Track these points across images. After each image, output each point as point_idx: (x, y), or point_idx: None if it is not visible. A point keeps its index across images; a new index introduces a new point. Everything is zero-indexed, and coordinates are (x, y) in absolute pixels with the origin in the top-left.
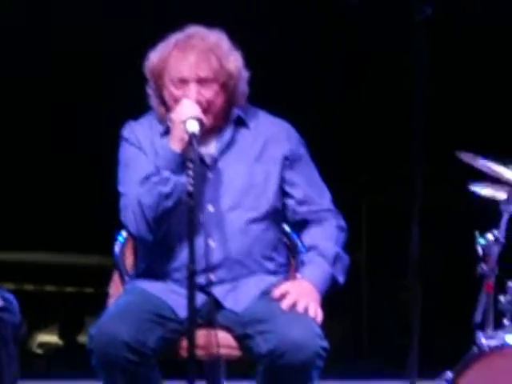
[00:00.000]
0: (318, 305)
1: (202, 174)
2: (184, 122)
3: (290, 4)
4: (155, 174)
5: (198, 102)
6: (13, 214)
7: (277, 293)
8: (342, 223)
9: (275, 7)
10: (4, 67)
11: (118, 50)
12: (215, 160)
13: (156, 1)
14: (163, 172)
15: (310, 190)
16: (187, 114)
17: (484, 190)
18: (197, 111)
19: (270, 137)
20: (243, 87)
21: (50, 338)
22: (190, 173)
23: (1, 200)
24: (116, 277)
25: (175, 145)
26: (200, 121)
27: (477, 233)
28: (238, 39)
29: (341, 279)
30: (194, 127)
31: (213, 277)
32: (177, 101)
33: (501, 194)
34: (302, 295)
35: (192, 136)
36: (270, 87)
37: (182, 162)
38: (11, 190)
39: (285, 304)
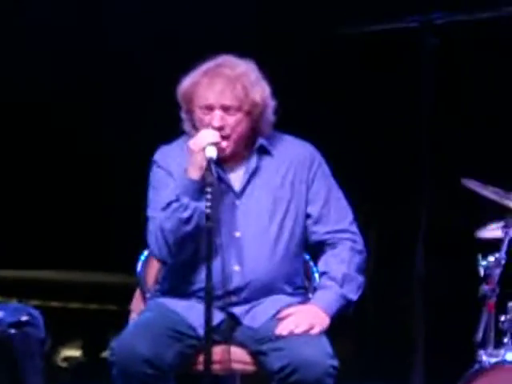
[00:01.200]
0: (325, 324)
1: (230, 202)
2: (203, 149)
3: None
4: (176, 200)
5: (222, 128)
6: (40, 232)
7: (284, 314)
8: (359, 246)
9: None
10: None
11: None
12: (244, 188)
13: (196, 31)
14: (183, 198)
15: (327, 209)
16: (205, 141)
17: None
18: (214, 137)
19: (293, 161)
20: (268, 116)
21: (74, 352)
22: (209, 196)
23: (27, 218)
24: (138, 294)
25: (193, 173)
26: (217, 145)
27: (479, 255)
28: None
29: (353, 297)
30: (211, 152)
31: (235, 298)
32: (204, 126)
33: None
34: (307, 318)
35: (210, 161)
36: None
37: (200, 189)
38: (36, 208)
39: (289, 327)
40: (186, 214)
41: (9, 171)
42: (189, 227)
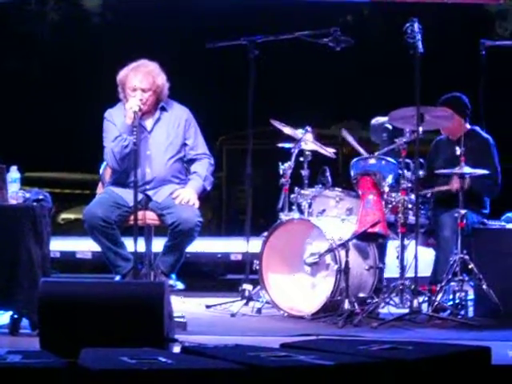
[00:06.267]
0: (195, 198)
1: (145, 136)
2: (131, 108)
3: None
4: (119, 135)
5: (141, 100)
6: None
7: (174, 194)
8: (211, 161)
9: None
10: None
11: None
12: (152, 129)
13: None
14: (123, 134)
15: (196, 142)
16: (133, 104)
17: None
18: (137, 102)
19: (178, 115)
20: (166, 91)
21: (67, 216)
22: (135, 133)
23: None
24: (100, 185)
25: (128, 120)
26: (139, 107)
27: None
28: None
29: (208, 188)
30: (136, 109)
31: (148, 186)
32: (131, 98)
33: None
34: (187, 194)
35: (135, 114)
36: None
37: (131, 129)
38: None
39: (177, 200)
40: (125, 143)
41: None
42: (127, 150)
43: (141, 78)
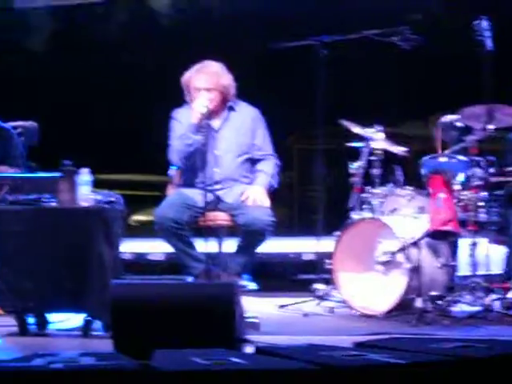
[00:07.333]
0: (266, 197)
1: (213, 135)
2: (198, 109)
3: None
4: (184, 134)
5: (207, 101)
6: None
7: (244, 195)
8: (278, 162)
9: None
10: None
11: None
12: (220, 128)
13: None
14: (188, 133)
15: (263, 143)
16: (200, 104)
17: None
18: (204, 102)
19: (246, 115)
20: (232, 91)
21: (138, 217)
22: (203, 132)
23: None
24: (169, 186)
25: (194, 119)
26: (206, 107)
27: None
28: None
29: (275, 185)
30: (203, 110)
31: (217, 186)
32: (197, 98)
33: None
34: (258, 194)
35: (202, 114)
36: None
37: (197, 128)
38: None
39: (249, 201)
40: (189, 141)
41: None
42: (191, 148)
43: (205, 78)
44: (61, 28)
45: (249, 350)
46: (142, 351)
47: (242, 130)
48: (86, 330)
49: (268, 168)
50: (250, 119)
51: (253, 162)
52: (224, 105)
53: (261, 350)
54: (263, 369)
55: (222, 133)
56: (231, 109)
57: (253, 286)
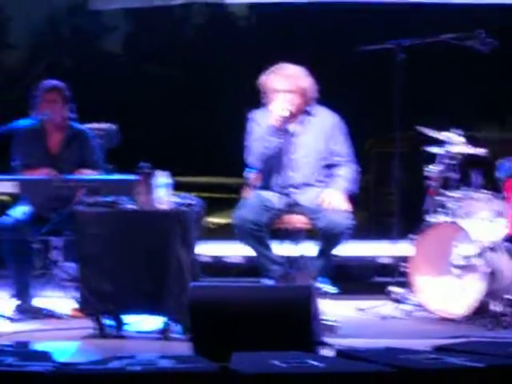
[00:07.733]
0: (344, 201)
1: (289, 139)
2: (277, 111)
3: None
4: (262, 136)
5: (287, 103)
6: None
7: (321, 198)
8: (357, 168)
9: None
10: None
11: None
12: (298, 133)
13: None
14: (266, 135)
15: (341, 148)
16: (278, 107)
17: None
18: (283, 105)
19: (325, 120)
20: (312, 95)
21: (215, 219)
22: (280, 134)
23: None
24: (246, 189)
25: (272, 121)
26: (287, 110)
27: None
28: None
29: (354, 190)
30: (283, 113)
31: (293, 189)
32: (275, 101)
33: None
34: (335, 197)
35: (282, 117)
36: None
37: (275, 131)
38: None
39: (325, 203)
40: (267, 144)
41: None
42: (268, 151)
43: (281, 80)
44: (137, 30)
45: (327, 352)
46: (220, 354)
47: (321, 135)
48: (165, 333)
49: (345, 173)
50: (330, 125)
51: (330, 167)
52: (302, 108)
53: (341, 353)
54: (342, 371)
55: (299, 137)
56: (310, 113)
57: (333, 289)
